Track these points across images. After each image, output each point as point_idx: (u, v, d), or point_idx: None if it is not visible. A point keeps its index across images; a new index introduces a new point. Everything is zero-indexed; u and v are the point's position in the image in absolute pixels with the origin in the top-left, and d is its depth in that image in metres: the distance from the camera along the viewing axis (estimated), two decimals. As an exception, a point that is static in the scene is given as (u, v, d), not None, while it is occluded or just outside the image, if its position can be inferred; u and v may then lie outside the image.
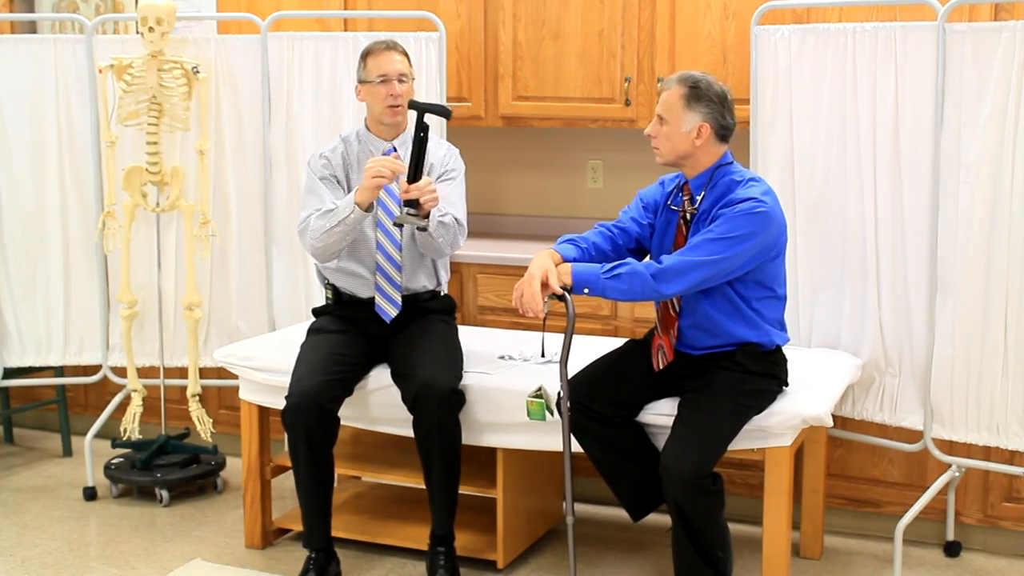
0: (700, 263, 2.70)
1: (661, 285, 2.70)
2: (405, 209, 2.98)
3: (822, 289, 3.35)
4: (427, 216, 2.99)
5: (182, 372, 3.97)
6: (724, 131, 2.80)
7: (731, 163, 2.85)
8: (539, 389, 2.87)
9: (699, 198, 2.82)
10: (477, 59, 3.93)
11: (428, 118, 2.94)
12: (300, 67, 3.79)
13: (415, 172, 2.95)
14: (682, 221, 2.86)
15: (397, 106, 3.14)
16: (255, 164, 3.86)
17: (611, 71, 3.76)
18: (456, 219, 3.11)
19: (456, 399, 3.01)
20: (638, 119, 3.73)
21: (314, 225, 3.06)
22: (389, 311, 3.16)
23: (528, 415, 2.89)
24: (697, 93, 2.77)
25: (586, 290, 2.74)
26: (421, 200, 2.95)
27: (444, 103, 3.10)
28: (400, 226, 3.09)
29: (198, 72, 3.70)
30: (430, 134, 3.17)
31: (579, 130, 4.05)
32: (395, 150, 3.18)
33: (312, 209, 3.10)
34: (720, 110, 2.78)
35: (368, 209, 3.01)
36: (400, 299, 3.16)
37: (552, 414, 2.87)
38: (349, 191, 3.15)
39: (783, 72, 3.32)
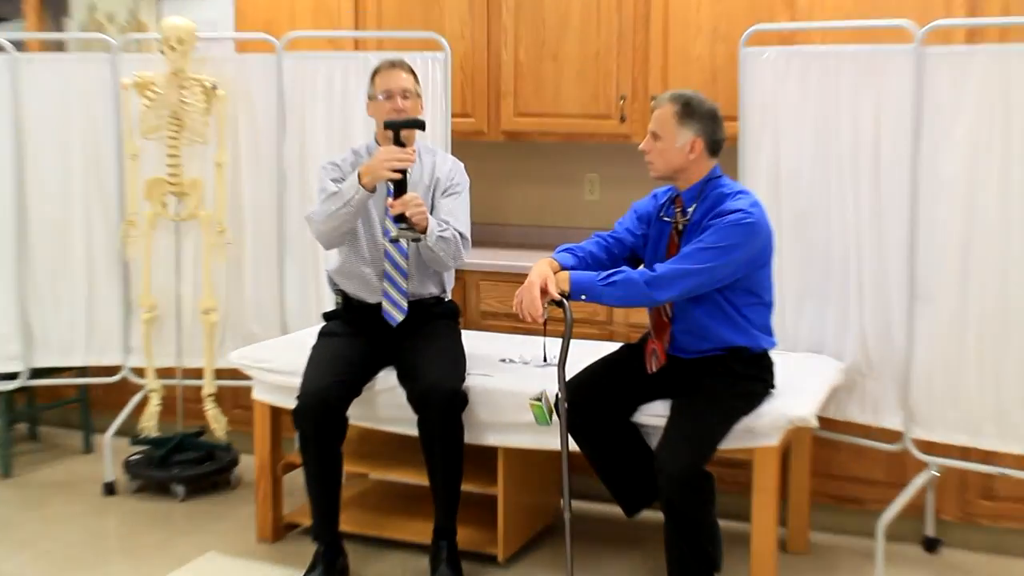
0: (692, 271, 2.69)
1: (655, 292, 2.69)
2: (397, 225, 2.97)
3: (807, 297, 3.34)
4: (424, 230, 2.97)
5: (198, 373, 3.95)
6: (715, 145, 2.80)
7: (720, 176, 2.84)
8: (540, 393, 2.85)
9: (690, 210, 2.81)
10: (481, 78, 3.93)
11: (420, 132, 2.93)
12: (313, 85, 3.78)
13: (399, 188, 2.95)
14: (674, 231, 2.85)
15: None
16: (269, 176, 3.86)
17: (607, 90, 3.75)
18: (459, 233, 3.10)
19: (459, 400, 2.99)
20: (632, 135, 3.73)
21: (321, 209, 3.04)
22: (395, 316, 3.14)
23: (536, 420, 2.87)
24: (689, 110, 2.76)
25: (583, 296, 2.73)
26: (408, 214, 2.94)
27: (418, 117, 3.08)
28: (396, 242, 3.08)
29: (216, 89, 3.69)
30: (437, 149, 3.17)
31: (577, 145, 4.04)
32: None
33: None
34: (712, 126, 2.77)
35: (373, 190, 2.98)
36: (406, 304, 3.14)
37: (553, 418, 2.85)
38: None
39: (769, 91, 3.31)
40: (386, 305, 3.15)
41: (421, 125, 3.04)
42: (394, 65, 3.15)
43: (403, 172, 2.95)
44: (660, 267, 2.72)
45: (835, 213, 3.26)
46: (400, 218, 2.96)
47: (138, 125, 3.70)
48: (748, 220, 2.71)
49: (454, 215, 3.12)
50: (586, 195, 4.16)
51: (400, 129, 2.96)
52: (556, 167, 4.18)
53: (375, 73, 3.17)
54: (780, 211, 3.32)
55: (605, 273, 2.73)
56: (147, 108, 3.66)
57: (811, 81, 3.25)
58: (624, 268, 2.77)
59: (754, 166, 3.36)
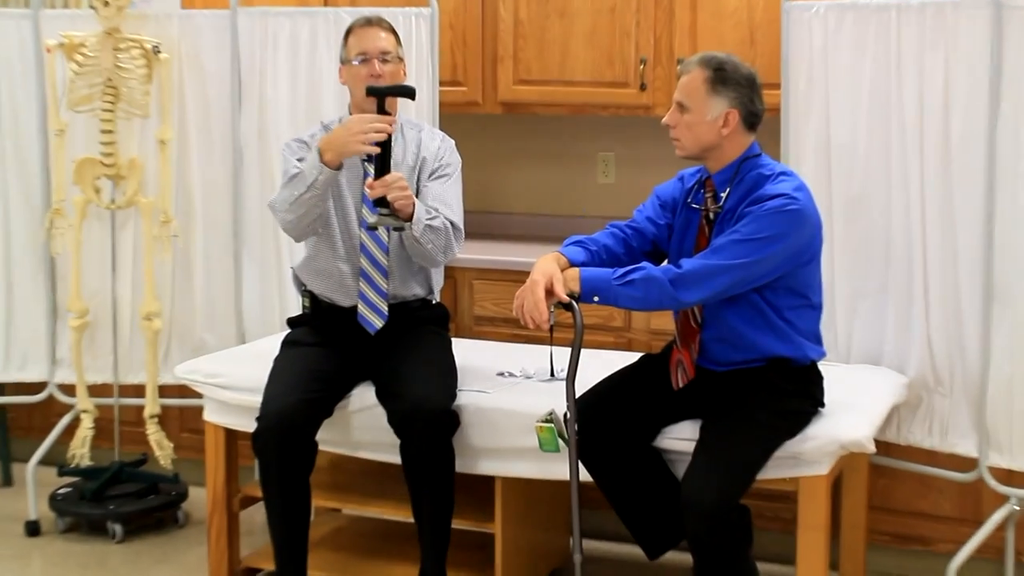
0: (724, 268, 2.70)
1: (680, 292, 2.70)
2: (376, 211, 2.98)
3: (862, 298, 3.35)
4: (409, 217, 2.99)
5: (139, 390, 3.96)
6: (753, 118, 2.81)
7: (759, 155, 2.86)
8: (549, 414, 2.85)
9: (723, 195, 2.83)
10: (474, 38, 3.94)
11: (403, 104, 2.93)
12: (274, 46, 3.80)
13: (381, 167, 2.95)
14: (704, 221, 2.87)
15: None
16: (223, 156, 3.87)
17: (624, 52, 3.77)
18: (450, 222, 3.10)
19: (449, 421, 3.01)
20: (654, 106, 3.74)
21: (284, 195, 3.06)
22: (374, 321, 3.16)
23: (540, 446, 2.87)
24: (723, 76, 2.77)
25: (596, 298, 2.74)
26: (390, 198, 2.95)
27: (406, 83, 3.10)
28: (374, 230, 3.09)
29: (159, 52, 3.70)
30: (423, 123, 3.18)
31: (588, 118, 4.06)
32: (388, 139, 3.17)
33: None
34: (749, 94, 2.78)
35: (339, 167, 3.00)
36: (386, 308, 3.16)
37: (566, 442, 2.85)
38: (339, 182, 3.13)
39: (818, 53, 3.32)
40: (363, 309, 3.16)
41: (411, 93, 3.05)
42: (371, 23, 3.17)
43: (386, 145, 2.95)
44: (687, 263, 2.73)
45: (896, 198, 3.27)
46: (380, 202, 2.96)
47: (65, 95, 3.71)
48: (792, 207, 2.72)
49: (444, 201, 3.13)
50: (599, 178, 4.17)
51: (386, 97, 2.97)
52: (564, 145, 4.20)
53: (348, 32, 3.19)
54: (830, 196, 3.34)
55: (622, 270, 2.75)
56: (76, 75, 3.68)
57: (868, 40, 3.26)
58: (645, 264, 2.78)
59: (799, 142, 3.37)
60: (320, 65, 3.76)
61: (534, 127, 4.20)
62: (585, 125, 4.13)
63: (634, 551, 3.17)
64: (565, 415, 2.83)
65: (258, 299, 3.89)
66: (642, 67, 3.74)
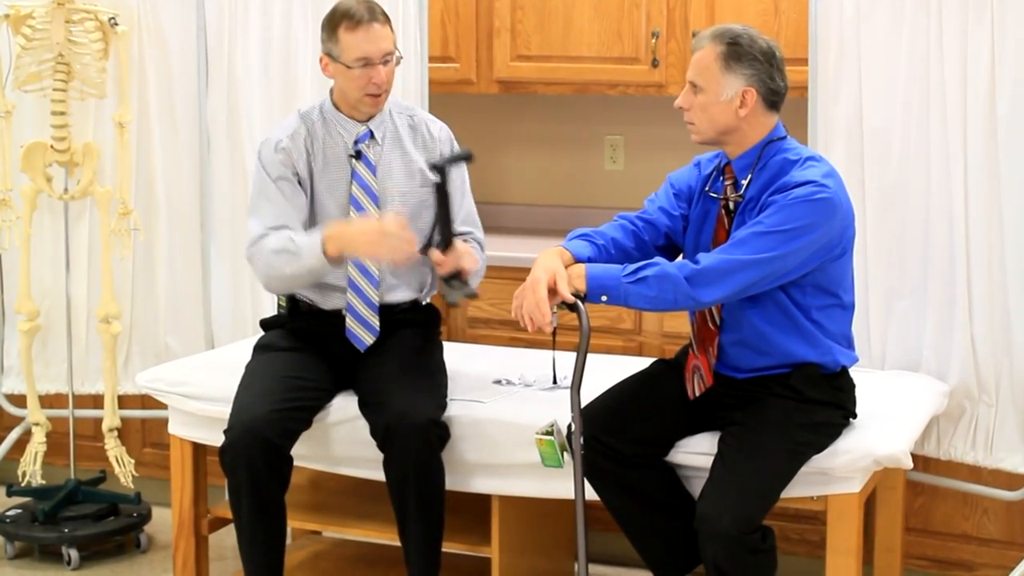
0: (747, 263, 2.71)
1: (698, 291, 2.71)
2: (451, 283, 3.02)
3: (898, 298, 3.36)
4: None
5: (96, 401, 3.96)
6: (774, 97, 2.81)
7: (784, 138, 2.86)
8: (551, 425, 2.86)
9: (744, 182, 2.83)
10: (467, 9, 3.95)
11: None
12: (245, 19, 3.80)
13: (444, 233, 3.00)
14: (723, 211, 2.88)
15: (379, 95, 3.11)
16: (188, 140, 3.87)
17: (634, 24, 3.77)
18: (480, 241, 3.20)
19: (438, 434, 3.01)
20: (667, 84, 3.75)
21: (270, 261, 3.03)
22: (364, 339, 3.16)
23: (541, 461, 2.88)
24: (737, 51, 2.78)
25: (604, 297, 2.75)
26: (465, 267, 3.01)
27: (464, 149, 3.19)
28: (456, 307, 3.11)
29: (116, 24, 3.71)
30: (415, 108, 3.23)
31: (594, 98, 4.06)
32: (371, 135, 3.17)
33: (267, 225, 3.06)
34: (768, 70, 2.78)
35: (339, 263, 3.00)
36: (378, 323, 3.16)
37: (566, 457, 2.86)
38: (312, 191, 3.13)
39: (850, 26, 3.33)
40: (351, 324, 3.16)
41: (471, 158, 3.14)
42: (370, 17, 3.07)
43: (444, 204, 2.99)
44: (705, 258, 2.73)
45: (935, 188, 3.28)
46: (451, 275, 3.01)
47: (11, 73, 3.71)
48: (822, 195, 2.73)
49: (472, 221, 3.23)
50: (606, 164, 4.18)
51: (447, 168, 3.02)
52: (567, 127, 4.20)
53: (337, 24, 3.08)
54: (863, 185, 3.34)
55: (633, 267, 2.75)
56: (23, 50, 3.68)
57: (905, 11, 3.26)
58: (658, 260, 2.79)
59: (828, 125, 3.38)
60: (295, 38, 3.76)
61: (534, 108, 4.21)
62: (591, 106, 4.13)
63: (645, 578, 3.18)
64: (569, 427, 2.84)
65: (228, 300, 3.89)
66: (654, 41, 3.75)
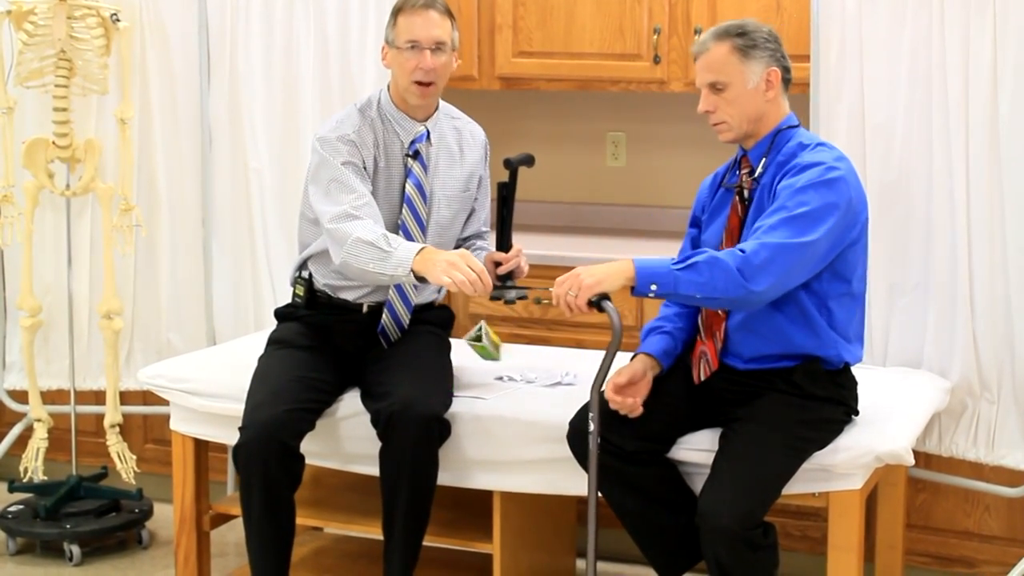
0: (784, 247, 2.68)
1: (750, 281, 2.66)
2: (505, 286, 3.04)
3: (900, 294, 3.36)
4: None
5: (98, 397, 3.97)
6: (788, 75, 2.87)
7: (796, 126, 2.88)
8: (478, 330, 3.04)
9: (759, 168, 2.85)
10: (469, 5, 3.95)
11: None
12: (247, 15, 3.80)
13: (502, 233, 3.05)
14: (738, 198, 2.88)
15: (428, 84, 3.08)
16: (190, 136, 3.88)
17: (636, 21, 3.77)
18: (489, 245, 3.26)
19: (439, 430, 3.01)
20: (669, 80, 3.75)
21: (355, 249, 2.94)
22: (393, 335, 3.19)
23: (481, 357, 3.13)
24: (750, 40, 2.81)
25: (653, 288, 2.69)
26: (519, 267, 3.07)
27: (528, 153, 3.21)
28: (513, 303, 3.15)
29: (118, 20, 3.71)
30: (459, 112, 3.26)
31: (596, 95, 4.06)
32: (428, 136, 3.16)
33: (352, 204, 2.98)
34: (779, 49, 2.85)
35: (423, 280, 2.93)
36: (409, 320, 3.19)
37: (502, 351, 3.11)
38: (378, 183, 3.11)
39: (851, 22, 3.33)
40: (387, 320, 3.17)
41: (532, 161, 3.17)
42: (427, 4, 3.06)
43: (507, 204, 3.04)
44: (747, 246, 2.69)
45: (938, 182, 3.28)
46: (508, 275, 3.05)
47: (13, 69, 3.72)
48: (834, 174, 2.73)
49: (485, 212, 3.28)
50: (608, 160, 4.18)
51: (517, 169, 3.07)
52: (569, 124, 4.20)
53: (399, 10, 3.09)
54: (865, 181, 3.29)
55: (681, 256, 2.76)
56: (25, 46, 3.68)
57: (907, 9, 3.26)
58: (705, 249, 2.77)
59: (830, 122, 3.38)
60: (297, 34, 3.76)
61: (535, 104, 4.21)
62: (592, 102, 4.14)
63: (647, 573, 3.18)
64: (588, 416, 2.78)
65: (230, 296, 3.90)
66: (656, 37, 3.75)
